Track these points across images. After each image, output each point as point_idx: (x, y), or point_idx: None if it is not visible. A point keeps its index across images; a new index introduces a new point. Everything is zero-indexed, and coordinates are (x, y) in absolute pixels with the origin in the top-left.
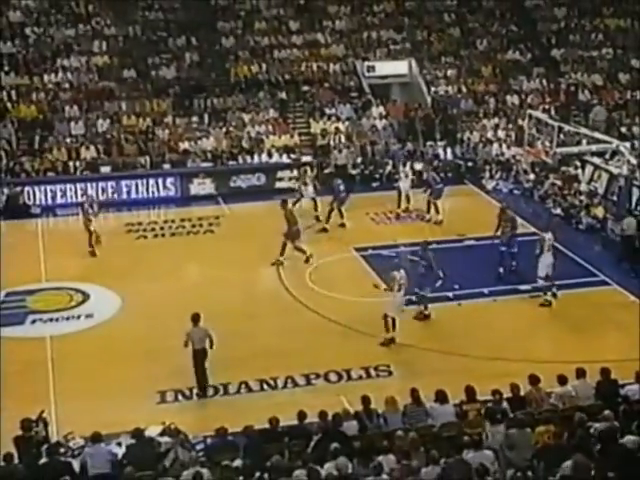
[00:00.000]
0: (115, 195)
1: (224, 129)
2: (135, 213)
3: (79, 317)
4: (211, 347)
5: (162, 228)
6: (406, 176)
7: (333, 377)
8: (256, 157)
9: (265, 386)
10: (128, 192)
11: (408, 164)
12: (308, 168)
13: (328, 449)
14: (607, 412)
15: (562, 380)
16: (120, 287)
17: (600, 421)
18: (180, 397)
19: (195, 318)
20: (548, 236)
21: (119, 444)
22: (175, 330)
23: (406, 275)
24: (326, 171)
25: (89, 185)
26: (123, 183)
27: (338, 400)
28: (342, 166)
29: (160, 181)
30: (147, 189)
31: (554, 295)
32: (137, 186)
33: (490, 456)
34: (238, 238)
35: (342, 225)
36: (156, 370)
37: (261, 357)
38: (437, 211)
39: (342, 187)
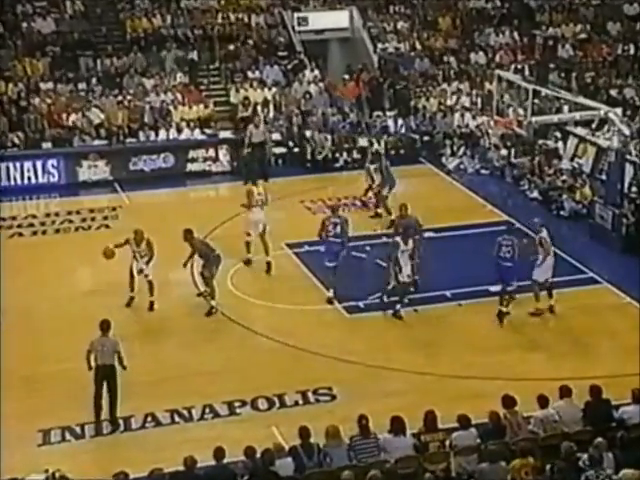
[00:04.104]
0: None
1: (119, 98)
2: (7, 204)
3: None
4: (123, 368)
5: (43, 223)
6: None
7: (262, 404)
8: (162, 133)
9: (177, 418)
10: None
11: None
12: None
13: None
14: (599, 440)
15: (543, 401)
16: None
17: (589, 451)
18: (68, 436)
19: (103, 326)
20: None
21: None
22: (61, 351)
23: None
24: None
25: None
26: None
27: (269, 432)
28: (259, 144)
29: (39, 164)
30: (22, 174)
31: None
32: (8, 170)
33: None
34: None
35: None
36: (37, 403)
37: (171, 381)
38: None
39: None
